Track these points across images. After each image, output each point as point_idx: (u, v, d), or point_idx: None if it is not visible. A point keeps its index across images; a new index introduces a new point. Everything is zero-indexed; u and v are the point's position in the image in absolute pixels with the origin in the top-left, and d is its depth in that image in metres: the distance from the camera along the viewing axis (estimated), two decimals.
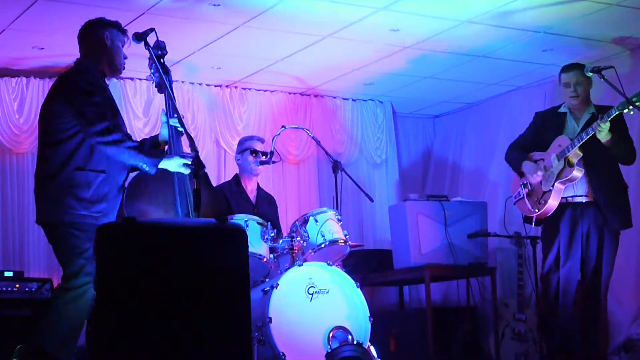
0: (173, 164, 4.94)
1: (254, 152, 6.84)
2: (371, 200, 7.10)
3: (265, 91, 8.77)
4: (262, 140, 7.04)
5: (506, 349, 7.69)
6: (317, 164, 9.09)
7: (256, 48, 7.46)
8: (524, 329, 7.62)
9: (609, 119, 6.00)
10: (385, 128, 9.45)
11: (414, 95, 9.15)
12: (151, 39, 5.13)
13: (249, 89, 8.69)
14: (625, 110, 5.98)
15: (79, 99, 4.92)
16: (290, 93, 8.89)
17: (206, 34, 7.06)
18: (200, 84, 8.44)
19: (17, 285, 6.74)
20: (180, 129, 5.04)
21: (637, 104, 5.94)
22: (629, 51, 7.76)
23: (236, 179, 6.95)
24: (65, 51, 7.18)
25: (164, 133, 5.13)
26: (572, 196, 6.33)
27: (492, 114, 9.20)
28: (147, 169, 4.92)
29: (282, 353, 5.47)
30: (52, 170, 4.90)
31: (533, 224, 6.50)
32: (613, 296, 7.66)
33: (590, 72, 6.23)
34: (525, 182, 6.51)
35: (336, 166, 6.81)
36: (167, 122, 5.09)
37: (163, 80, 5.07)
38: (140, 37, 5.06)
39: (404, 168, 9.75)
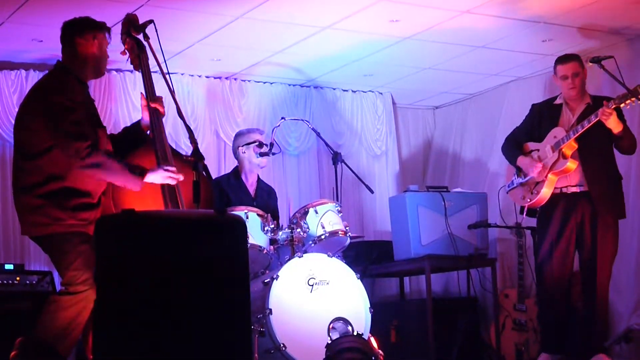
0: (158, 177, 4.88)
1: (260, 145, 6.83)
2: (371, 191, 7.11)
3: (265, 83, 8.76)
4: (264, 133, 7.05)
5: (507, 340, 7.70)
6: (317, 155, 9.08)
7: (256, 40, 7.45)
8: (524, 320, 7.63)
9: (614, 106, 6.01)
10: (385, 119, 9.44)
11: (414, 86, 9.15)
12: (150, 31, 5.12)
13: (249, 81, 8.68)
14: (622, 104, 5.99)
15: (58, 116, 4.77)
16: (290, 85, 8.89)
17: (205, 25, 7.05)
18: (199, 76, 8.43)
19: (18, 278, 6.73)
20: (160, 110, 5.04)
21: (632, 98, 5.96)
22: (627, 41, 7.75)
23: (236, 172, 6.95)
24: None
25: (146, 117, 5.10)
26: (566, 187, 6.35)
27: (492, 105, 9.19)
28: (132, 186, 4.84)
29: (283, 344, 5.49)
30: (33, 182, 4.79)
31: (524, 213, 6.53)
32: (613, 286, 7.66)
33: (590, 62, 6.26)
34: (520, 173, 6.53)
35: (336, 157, 6.81)
36: (147, 105, 5.06)
37: (142, 61, 5.04)
38: (139, 28, 5.05)
39: (404, 159, 9.75)
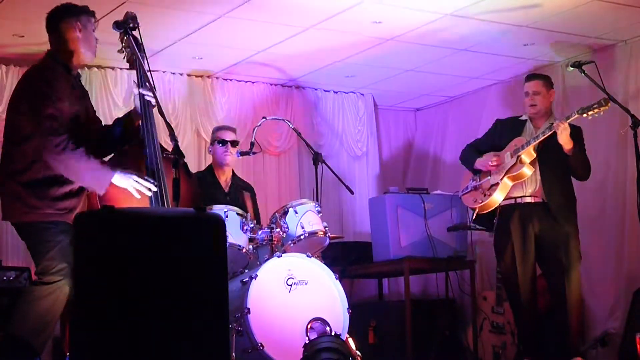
0: (125, 183, 4.80)
1: (222, 142, 6.87)
2: (351, 192, 7.11)
3: (246, 82, 8.76)
4: (232, 130, 7.05)
5: (484, 342, 7.73)
6: (297, 155, 9.08)
7: (238, 39, 7.44)
8: (502, 322, 7.66)
9: (568, 120, 6.17)
10: (367, 120, 9.45)
11: (395, 88, 9.16)
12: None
13: (230, 80, 8.67)
14: (584, 115, 6.09)
15: (38, 105, 4.77)
16: (271, 84, 8.88)
17: (187, 24, 7.04)
18: (181, 74, 8.41)
19: None
20: (151, 98, 4.98)
21: (595, 109, 6.05)
22: (608, 46, 7.79)
23: (210, 169, 7.01)
24: (45, 39, 7.12)
25: (137, 105, 5.09)
26: (520, 197, 6.43)
27: (474, 108, 9.22)
28: (95, 188, 4.80)
29: (260, 344, 5.47)
30: (16, 168, 4.80)
31: (473, 216, 6.60)
32: (590, 290, 7.71)
33: (571, 66, 6.32)
34: (475, 177, 6.60)
35: (317, 158, 6.81)
36: (138, 93, 5.04)
37: (135, 53, 5.01)
38: (120, 25, 5.03)
39: (384, 160, 9.76)
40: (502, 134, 6.63)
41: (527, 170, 6.34)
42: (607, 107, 6.10)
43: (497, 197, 6.45)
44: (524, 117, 6.60)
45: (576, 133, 6.33)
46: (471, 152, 6.77)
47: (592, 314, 7.74)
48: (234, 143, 6.87)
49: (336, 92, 9.28)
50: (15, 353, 4.60)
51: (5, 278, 6.70)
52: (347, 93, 9.35)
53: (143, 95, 4.98)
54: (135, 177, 4.78)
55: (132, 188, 4.78)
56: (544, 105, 6.50)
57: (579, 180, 6.53)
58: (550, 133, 6.20)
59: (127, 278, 3.78)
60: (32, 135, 4.77)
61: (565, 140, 6.20)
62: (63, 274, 4.71)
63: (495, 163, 6.47)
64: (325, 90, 9.21)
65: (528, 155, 6.34)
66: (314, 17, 6.98)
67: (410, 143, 10.07)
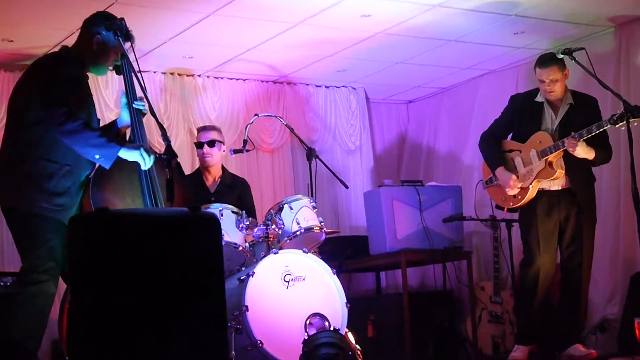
0: (133, 155, 4.81)
1: (198, 145, 7.00)
2: (346, 187, 7.11)
3: (237, 79, 8.74)
4: (211, 129, 7.07)
5: (483, 332, 7.73)
6: (291, 151, 9.08)
7: (227, 36, 7.43)
8: (500, 312, 7.66)
9: (600, 130, 6.05)
10: (359, 114, 9.45)
11: (387, 81, 9.16)
12: None
13: (222, 78, 8.66)
14: (617, 125, 5.92)
15: (46, 82, 4.79)
16: (262, 81, 8.87)
17: (177, 23, 7.03)
18: (172, 74, 8.40)
19: None
20: (144, 109, 5.00)
21: (620, 123, 5.90)
22: (599, 33, 7.79)
23: (197, 170, 7.10)
24: (35, 43, 7.13)
25: (125, 117, 5.08)
26: (547, 187, 6.37)
27: (465, 98, 9.22)
28: (103, 161, 4.77)
29: (259, 341, 5.48)
30: (18, 155, 4.82)
31: (505, 211, 6.55)
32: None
33: (562, 53, 6.23)
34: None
35: (310, 153, 6.81)
36: (129, 103, 5.03)
37: (121, 61, 5.02)
38: (109, 26, 5.02)
39: (378, 154, 9.76)
40: (523, 117, 6.46)
41: (560, 174, 6.25)
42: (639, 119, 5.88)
43: (529, 198, 6.38)
44: (539, 99, 6.41)
45: (594, 111, 6.29)
46: (492, 150, 6.59)
47: (590, 300, 7.72)
48: (211, 143, 6.88)
49: (328, 87, 9.28)
50: (10, 358, 4.59)
51: (2, 284, 6.69)
52: (338, 87, 9.34)
53: (137, 109, 5.01)
54: (142, 150, 4.81)
55: (140, 157, 4.80)
56: (562, 89, 6.31)
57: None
58: (563, 148, 6.13)
59: (123, 279, 3.77)
60: (37, 122, 4.78)
61: (584, 153, 6.13)
62: (50, 274, 4.70)
63: (515, 190, 6.38)
64: (317, 86, 9.20)
65: (556, 156, 6.24)
66: (303, 12, 6.97)
67: (404, 135, 10.07)
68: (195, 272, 3.89)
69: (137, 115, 5.05)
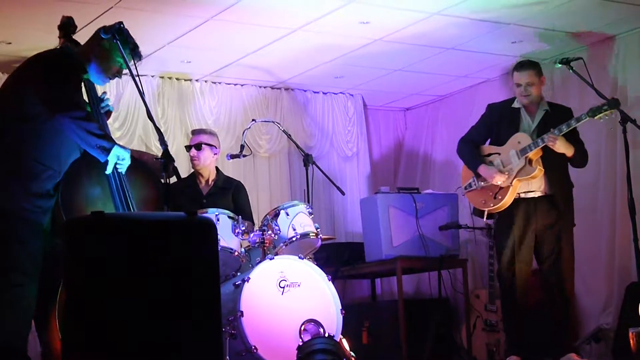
0: (124, 153, 4.76)
1: (187, 148, 7.08)
2: (342, 193, 7.11)
3: (235, 85, 8.75)
4: (201, 132, 7.11)
5: (478, 340, 7.72)
6: (288, 157, 9.08)
7: (226, 41, 7.43)
8: (495, 320, 7.66)
9: (579, 123, 6.19)
10: (356, 121, 9.46)
11: (384, 88, 9.16)
12: None
13: (220, 83, 8.66)
14: (595, 117, 6.09)
15: (52, 76, 4.76)
16: (260, 86, 8.88)
17: (175, 27, 7.03)
18: (170, 78, 8.40)
19: None
20: (110, 107, 5.04)
21: (606, 111, 6.04)
22: (595, 43, 7.80)
23: (191, 175, 7.10)
24: (33, 45, 7.11)
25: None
26: (525, 192, 6.42)
27: (463, 106, 9.23)
28: (102, 152, 4.70)
29: (254, 346, 5.47)
30: (7, 151, 4.74)
31: (485, 217, 6.58)
32: (583, 285, 7.73)
33: (559, 63, 6.31)
34: (479, 177, 6.58)
35: (307, 159, 6.81)
36: (90, 104, 5.02)
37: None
38: (108, 30, 5.02)
39: (375, 161, 9.77)
40: (500, 123, 6.58)
41: (540, 172, 6.33)
42: (616, 109, 6.04)
43: (509, 199, 6.42)
44: (516, 105, 6.55)
45: (571, 132, 6.35)
46: (472, 151, 6.69)
47: (585, 310, 7.76)
48: (198, 146, 6.90)
49: (325, 93, 9.29)
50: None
51: None
52: (336, 94, 9.35)
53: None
54: (129, 155, 4.78)
55: (127, 155, 4.77)
56: (537, 94, 6.47)
57: (579, 168, 6.59)
58: (542, 145, 6.23)
59: (118, 284, 3.77)
60: (33, 117, 4.73)
61: (564, 149, 6.24)
62: (31, 279, 4.64)
63: (502, 180, 6.43)
64: (315, 92, 9.21)
65: (536, 154, 6.32)
66: (302, 18, 6.98)
67: (401, 143, 10.08)
68: (191, 277, 3.88)
69: (101, 117, 5.04)
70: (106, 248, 3.77)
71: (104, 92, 5.17)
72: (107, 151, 4.70)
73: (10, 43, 7.13)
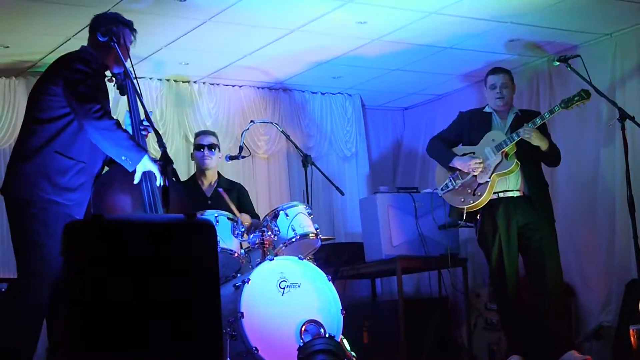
0: (151, 165, 4.81)
1: (198, 147, 7.03)
2: (342, 193, 7.11)
3: (233, 86, 8.75)
4: (210, 133, 7.12)
5: (478, 339, 7.73)
6: (286, 158, 9.08)
7: (223, 43, 7.43)
8: (495, 319, 7.66)
9: (552, 115, 6.32)
10: (355, 121, 9.46)
11: (382, 88, 9.16)
12: None
13: (217, 84, 8.66)
14: (568, 108, 6.26)
15: (75, 77, 4.79)
16: (258, 87, 8.88)
17: (173, 29, 7.03)
18: (167, 80, 8.40)
19: None
20: (148, 130, 5.03)
21: (577, 101, 6.21)
22: (592, 41, 7.80)
23: (193, 176, 7.12)
24: (32, 49, 7.14)
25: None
26: (503, 191, 6.47)
27: (461, 105, 9.15)
28: (128, 163, 4.77)
29: (255, 347, 5.47)
30: (33, 147, 4.78)
31: (464, 216, 6.60)
32: (582, 284, 7.73)
33: (557, 61, 6.36)
34: (455, 175, 6.60)
35: (306, 160, 6.81)
36: (132, 124, 5.05)
37: (125, 81, 5.05)
38: (105, 33, 5.02)
39: (374, 161, 9.76)
40: (472, 127, 6.68)
41: (516, 166, 6.38)
42: (588, 100, 6.20)
43: (488, 195, 6.46)
44: (487, 110, 6.68)
45: (543, 129, 6.47)
46: (443, 147, 6.79)
47: (585, 308, 7.75)
48: (211, 147, 6.94)
49: (323, 94, 9.29)
50: None
51: None
52: (334, 94, 9.35)
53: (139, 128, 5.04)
54: (158, 167, 4.81)
55: (157, 170, 4.81)
56: (510, 97, 6.63)
57: (552, 167, 6.75)
58: (517, 139, 6.33)
59: (119, 286, 3.77)
60: (58, 117, 4.79)
61: (539, 141, 6.34)
62: (40, 281, 4.67)
63: (479, 169, 6.46)
64: (313, 92, 9.21)
65: (512, 149, 6.41)
66: (299, 19, 6.98)
67: (399, 142, 10.07)
68: (191, 279, 3.89)
69: (142, 139, 5.07)
70: (106, 251, 3.78)
71: (143, 121, 5.17)
72: (134, 162, 4.75)
73: (7, 47, 7.12)
